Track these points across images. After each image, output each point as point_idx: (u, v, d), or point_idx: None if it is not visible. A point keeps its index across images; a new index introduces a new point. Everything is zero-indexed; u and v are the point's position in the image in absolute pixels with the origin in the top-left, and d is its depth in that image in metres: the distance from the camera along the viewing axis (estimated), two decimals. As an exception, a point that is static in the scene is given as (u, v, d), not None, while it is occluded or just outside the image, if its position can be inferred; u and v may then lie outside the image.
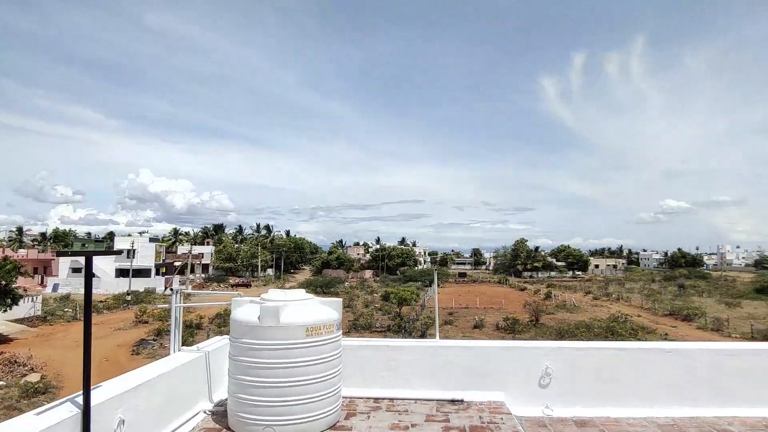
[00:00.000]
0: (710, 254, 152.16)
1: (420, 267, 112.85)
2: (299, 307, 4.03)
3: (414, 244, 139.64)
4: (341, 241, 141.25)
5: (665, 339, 28.67)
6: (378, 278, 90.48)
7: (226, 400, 4.21)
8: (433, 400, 4.74)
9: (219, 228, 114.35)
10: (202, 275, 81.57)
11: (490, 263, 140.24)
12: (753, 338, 30.50)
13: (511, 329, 32.71)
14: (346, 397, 4.54)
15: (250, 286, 70.17)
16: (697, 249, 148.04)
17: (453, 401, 4.72)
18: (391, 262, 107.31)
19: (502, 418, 4.29)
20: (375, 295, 54.70)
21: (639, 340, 26.09)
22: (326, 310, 4.17)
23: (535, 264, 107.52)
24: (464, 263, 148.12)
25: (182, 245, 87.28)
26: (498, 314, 39.56)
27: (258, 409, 3.77)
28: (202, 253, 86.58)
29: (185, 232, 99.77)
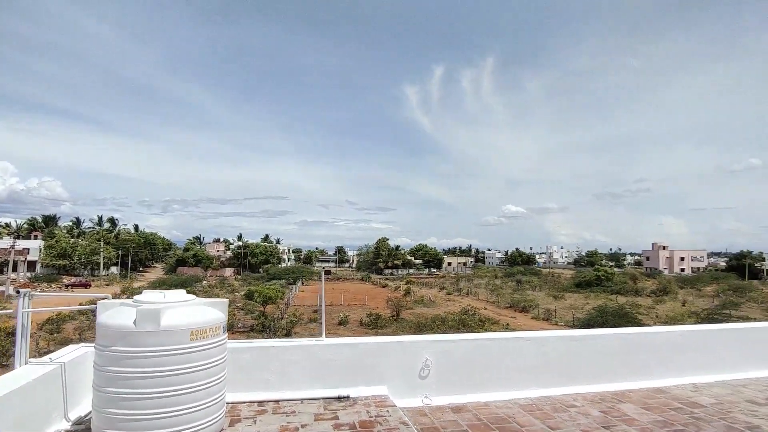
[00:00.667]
0: (541, 253, 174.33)
1: (284, 265, 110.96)
2: (182, 309, 3.71)
3: (278, 242, 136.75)
4: (199, 237, 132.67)
5: (507, 329, 32.15)
6: (240, 276, 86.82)
7: (88, 417, 3.71)
8: (320, 398, 4.72)
9: (50, 220, 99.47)
10: (28, 274, 70.28)
11: (353, 261, 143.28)
12: (574, 325, 35.69)
13: (374, 325, 33.85)
14: (228, 403, 4.30)
15: (89, 286, 62.35)
16: (531, 249, 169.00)
17: (339, 398, 4.75)
18: (254, 260, 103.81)
19: (388, 411, 4.44)
20: (237, 294, 52.39)
21: (486, 330, 28.89)
22: (211, 311, 3.90)
23: (396, 262, 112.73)
24: (328, 261, 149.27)
25: (0, 238, 74.17)
26: (362, 311, 40.64)
27: (132, 424, 3.38)
28: (28, 249, 74.60)
29: (5, 224, 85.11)
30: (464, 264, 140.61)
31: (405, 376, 5.17)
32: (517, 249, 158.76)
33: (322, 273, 5.37)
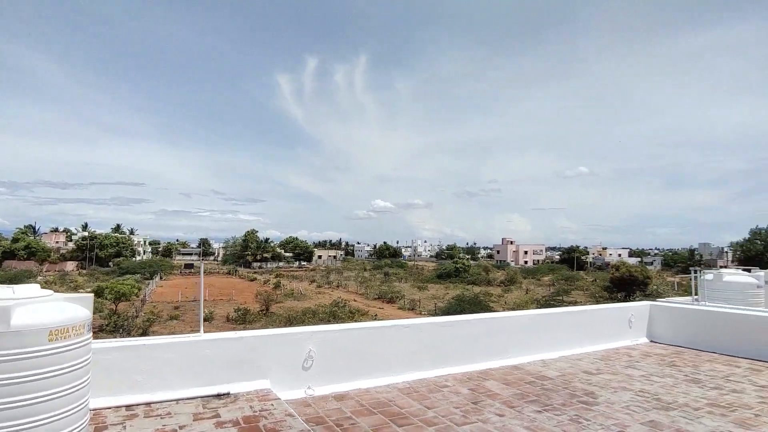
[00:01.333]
0: (407, 247, 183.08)
1: (139, 258, 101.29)
2: (37, 305, 3.24)
3: (132, 232, 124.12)
4: (33, 227, 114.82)
5: (375, 319, 33.29)
6: (85, 271, 77.20)
7: None
8: (197, 397, 4.46)
9: None
10: None
11: (218, 254, 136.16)
12: (435, 314, 38.23)
13: (242, 320, 32.64)
14: (92, 410, 3.86)
15: None
16: (398, 242, 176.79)
17: (219, 395, 4.55)
18: (103, 253, 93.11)
19: (272, 404, 4.36)
20: (81, 291, 46.53)
21: (356, 321, 29.55)
22: (74, 308, 3.46)
23: (265, 255, 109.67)
24: (191, 253, 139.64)
25: None
26: (229, 306, 38.88)
27: (-28, 442, 2.88)
28: None
29: None
30: (334, 257, 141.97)
31: (288, 369, 5.12)
32: (384, 242, 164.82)
33: (201, 266, 5.06)
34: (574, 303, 41.90)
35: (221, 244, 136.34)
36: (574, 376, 6.18)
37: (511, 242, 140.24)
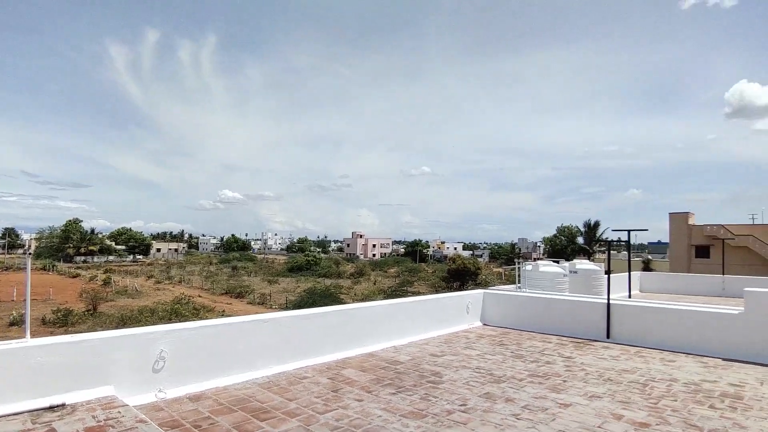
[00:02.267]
0: (256, 240, 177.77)
1: None
2: None
3: None
4: None
5: (223, 315, 31.80)
6: None
7: None
8: (25, 412, 3.89)
9: None
10: None
11: (30, 246, 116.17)
12: (287, 308, 37.92)
13: (63, 322, 28.51)
14: None
15: None
16: (247, 235, 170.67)
17: (53, 407, 4.02)
18: None
19: (119, 412, 4.01)
20: None
21: (201, 318, 27.89)
22: None
23: (91, 248, 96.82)
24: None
25: None
26: (45, 306, 33.57)
27: None
28: None
29: None
30: (176, 250, 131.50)
31: (137, 372, 4.74)
32: (233, 235, 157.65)
33: (28, 260, 4.35)
34: (417, 293, 45.05)
35: (32, 235, 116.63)
36: (422, 359, 6.76)
37: (361, 236, 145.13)
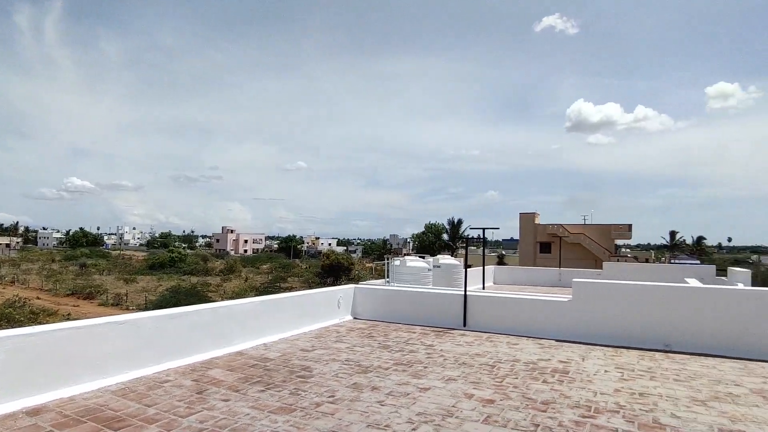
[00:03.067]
0: (110, 234, 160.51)
1: None
2: None
3: None
4: None
5: (68, 319, 28.28)
6: None
7: None
8: None
9: None
10: None
11: None
12: (147, 308, 34.95)
13: None
14: None
15: None
16: (99, 229, 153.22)
17: None
18: None
19: (-67, 435, 3.46)
20: None
21: (41, 323, 24.54)
22: None
23: None
24: None
25: None
26: None
27: None
28: None
29: None
30: (8, 245, 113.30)
31: (-44, 387, 4.10)
32: (81, 229, 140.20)
33: None
34: (290, 289, 44.53)
35: None
36: (293, 355, 6.80)
37: (231, 231, 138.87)
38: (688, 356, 7.12)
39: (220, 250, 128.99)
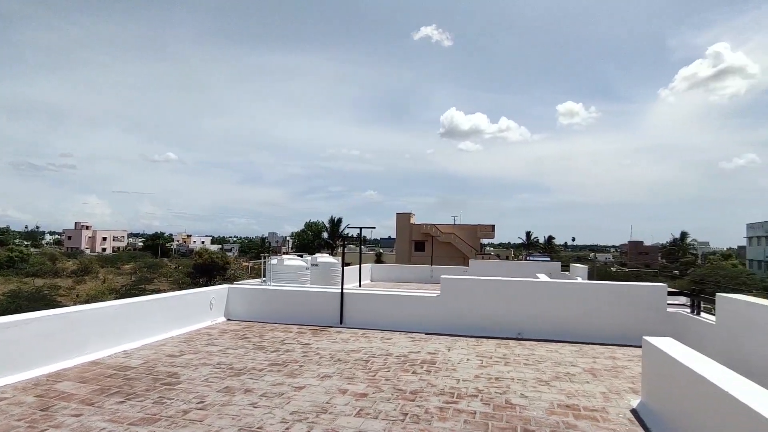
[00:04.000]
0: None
1: None
2: None
3: None
4: None
5: None
6: None
7: None
8: None
9: None
10: None
11: None
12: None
13: None
14: None
15: None
16: None
17: None
18: None
19: None
20: None
21: None
22: None
23: None
24: None
25: None
26: None
27: None
28: None
29: None
30: None
31: None
32: None
33: None
34: (157, 290, 41.22)
35: None
36: (158, 362, 6.36)
37: (87, 227, 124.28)
38: (536, 342, 8.06)
39: (72, 248, 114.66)
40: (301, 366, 6.27)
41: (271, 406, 4.69)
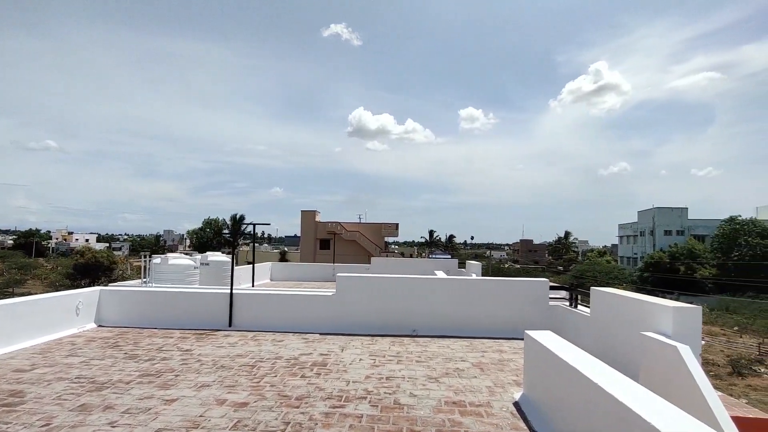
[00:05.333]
0: None
1: None
2: None
3: None
4: None
5: None
6: None
7: None
8: None
9: None
10: None
11: None
12: None
13: None
14: None
15: None
16: None
17: None
18: None
19: None
20: None
21: None
22: None
23: None
24: None
25: None
26: None
27: None
28: None
29: None
30: None
31: None
32: None
33: None
34: (28, 293, 36.62)
35: None
36: (1, 378, 5.42)
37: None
38: (430, 339, 8.12)
39: None
40: (177, 376, 5.68)
41: (134, 424, 4.13)
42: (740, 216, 58.14)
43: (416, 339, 8.13)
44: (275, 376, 5.70)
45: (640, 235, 73.44)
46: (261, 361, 6.41)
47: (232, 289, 8.63)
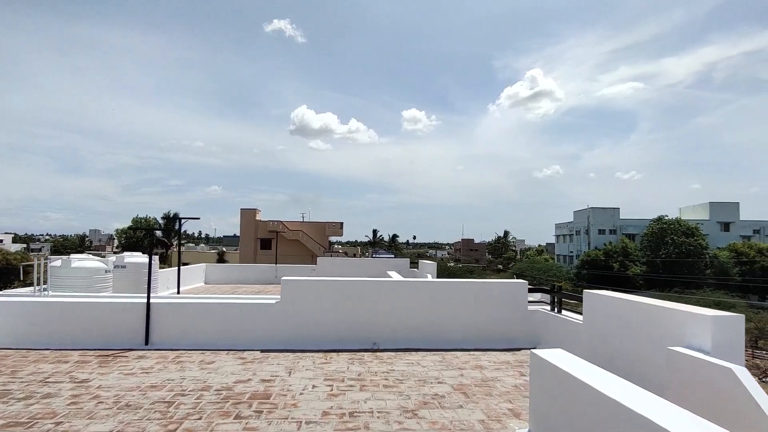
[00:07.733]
0: None
1: None
2: None
3: None
4: None
5: None
6: None
7: None
8: None
9: None
10: None
11: None
12: None
13: None
14: None
15: None
16: None
17: None
18: None
19: None
20: None
21: None
22: None
23: None
24: None
25: None
26: None
27: None
28: None
29: None
30: None
31: None
32: None
33: None
34: None
35: None
36: None
37: None
38: (394, 353, 6.86)
39: None
40: (58, 425, 4.06)
41: None
42: (667, 216, 61.46)
43: (378, 354, 6.84)
44: (199, 419, 4.22)
45: (576, 234, 76.08)
46: (182, 395, 4.88)
47: (149, 297, 6.93)
